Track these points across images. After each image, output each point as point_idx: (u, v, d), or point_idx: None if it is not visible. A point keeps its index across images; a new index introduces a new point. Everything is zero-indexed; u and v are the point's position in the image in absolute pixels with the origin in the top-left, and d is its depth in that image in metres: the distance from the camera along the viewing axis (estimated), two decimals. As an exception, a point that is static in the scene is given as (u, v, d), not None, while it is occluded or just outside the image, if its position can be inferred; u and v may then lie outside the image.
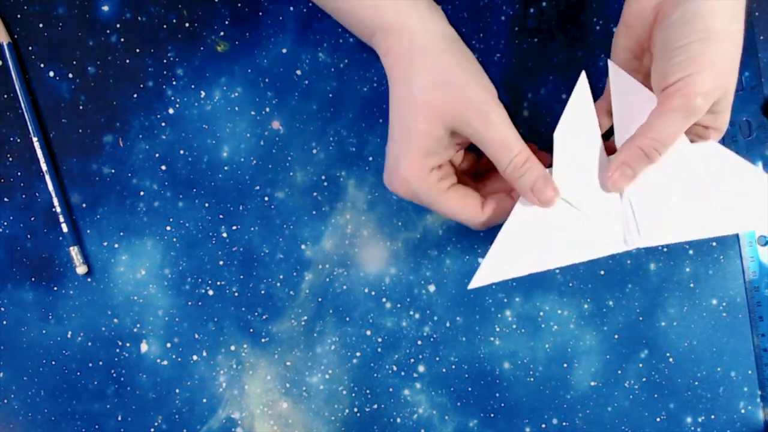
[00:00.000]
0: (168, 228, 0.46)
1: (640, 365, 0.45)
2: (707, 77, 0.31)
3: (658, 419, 0.45)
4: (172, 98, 0.46)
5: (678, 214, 0.34)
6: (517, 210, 0.35)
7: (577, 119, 0.35)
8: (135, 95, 0.46)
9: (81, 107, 0.46)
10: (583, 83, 0.35)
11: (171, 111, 0.46)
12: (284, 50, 0.45)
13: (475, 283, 0.35)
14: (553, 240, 0.35)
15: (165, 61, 0.46)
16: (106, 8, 0.46)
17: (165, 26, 0.46)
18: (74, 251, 0.46)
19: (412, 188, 0.34)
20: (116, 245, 0.46)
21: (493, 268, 0.35)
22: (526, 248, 0.35)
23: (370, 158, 0.45)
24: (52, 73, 0.46)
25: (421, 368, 0.46)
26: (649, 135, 0.32)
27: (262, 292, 0.46)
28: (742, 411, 0.44)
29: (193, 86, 0.46)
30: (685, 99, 0.31)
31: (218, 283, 0.46)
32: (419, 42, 0.33)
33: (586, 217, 0.35)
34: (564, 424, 0.45)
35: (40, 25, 0.46)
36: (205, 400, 0.47)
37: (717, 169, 0.34)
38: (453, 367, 0.46)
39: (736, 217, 0.34)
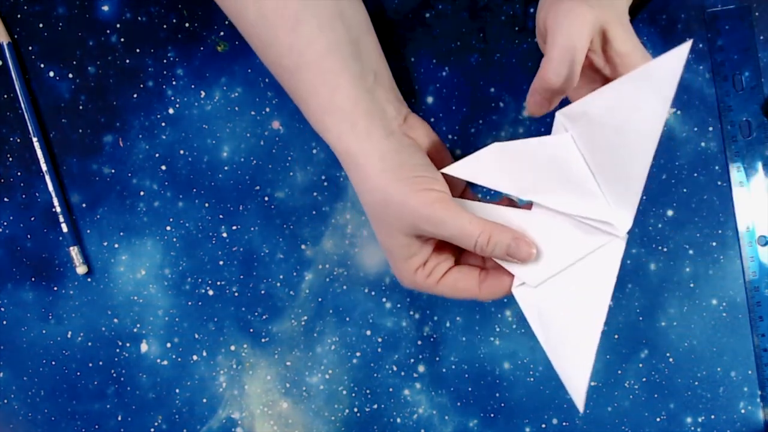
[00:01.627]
0: (168, 228, 0.46)
1: (640, 365, 0.45)
2: (570, 3, 0.31)
3: (658, 419, 0.45)
4: (172, 98, 0.46)
5: (613, 183, 0.32)
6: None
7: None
8: (135, 95, 0.46)
9: (81, 107, 0.46)
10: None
11: (171, 111, 0.46)
12: (284, 50, 0.45)
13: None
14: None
15: (165, 61, 0.46)
16: (106, 8, 0.46)
17: (165, 26, 0.46)
18: (74, 251, 0.46)
19: (407, 285, 0.36)
20: (116, 245, 0.46)
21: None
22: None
23: (370, 158, 0.45)
24: (52, 73, 0.46)
25: (421, 368, 0.46)
26: (546, 59, 0.32)
27: (262, 292, 0.46)
28: (742, 411, 0.44)
29: (193, 86, 0.46)
30: (558, 15, 0.31)
31: (218, 283, 0.46)
32: (359, 167, 0.34)
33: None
34: (564, 424, 0.45)
35: (40, 25, 0.46)
36: (205, 400, 0.47)
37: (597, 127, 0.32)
38: (453, 367, 0.46)
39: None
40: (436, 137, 0.38)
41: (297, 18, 0.34)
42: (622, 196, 0.32)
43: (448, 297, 0.36)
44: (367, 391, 0.46)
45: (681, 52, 0.29)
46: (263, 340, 0.46)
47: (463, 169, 0.35)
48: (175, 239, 0.46)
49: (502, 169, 0.34)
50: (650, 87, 0.30)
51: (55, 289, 0.47)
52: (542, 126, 0.44)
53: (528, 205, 0.35)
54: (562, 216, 0.34)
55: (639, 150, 0.31)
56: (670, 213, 0.44)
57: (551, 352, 0.34)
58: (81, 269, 0.46)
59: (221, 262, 0.46)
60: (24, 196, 0.46)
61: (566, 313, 0.34)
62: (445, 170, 0.35)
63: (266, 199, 0.46)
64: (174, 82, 0.46)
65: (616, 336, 0.45)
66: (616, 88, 0.31)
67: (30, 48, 0.46)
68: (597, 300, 0.33)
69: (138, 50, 0.46)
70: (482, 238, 0.33)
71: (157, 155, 0.46)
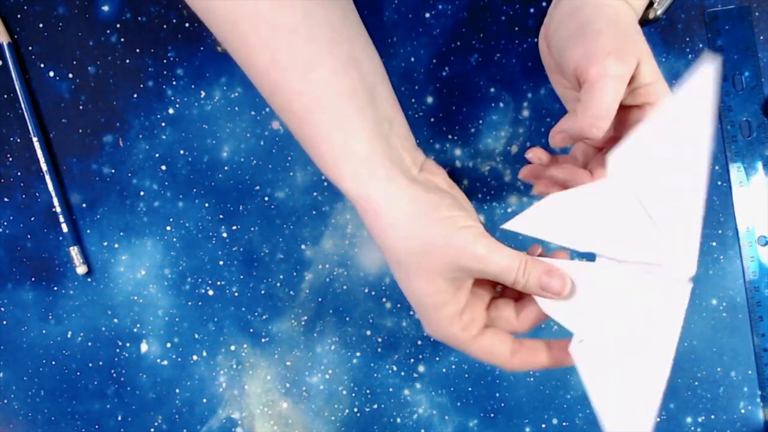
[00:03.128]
0: (168, 228, 0.46)
1: (640, 365, 0.45)
2: (602, 43, 0.31)
3: (658, 419, 0.45)
4: (172, 98, 0.46)
5: (669, 225, 0.32)
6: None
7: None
8: (135, 95, 0.46)
9: (81, 107, 0.46)
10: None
11: (171, 111, 0.46)
12: (284, 50, 0.45)
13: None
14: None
15: (165, 61, 0.46)
16: (106, 8, 0.46)
17: (165, 26, 0.46)
18: (74, 251, 0.46)
19: (440, 339, 0.35)
20: (116, 245, 0.46)
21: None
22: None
23: (370, 158, 0.45)
24: (52, 73, 0.46)
25: (421, 368, 0.46)
26: (588, 113, 0.31)
27: (262, 292, 0.46)
28: (742, 411, 0.44)
29: (193, 86, 0.46)
30: (597, 66, 0.30)
31: (218, 283, 0.46)
32: (384, 214, 0.32)
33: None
34: (564, 424, 0.45)
35: (40, 25, 0.46)
36: (205, 400, 0.47)
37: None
38: (453, 367, 0.46)
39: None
40: (451, 180, 0.37)
41: (310, 63, 0.32)
42: (681, 237, 0.31)
43: (480, 359, 0.35)
44: (367, 391, 0.46)
45: (708, 72, 0.29)
46: (263, 340, 0.46)
47: (523, 223, 0.34)
48: (175, 239, 0.46)
49: (561, 221, 0.33)
50: (688, 115, 0.30)
51: (55, 289, 0.47)
52: (542, 126, 0.44)
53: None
54: (623, 266, 0.33)
55: (690, 183, 0.30)
56: (670, 213, 0.44)
57: (604, 408, 0.33)
58: (81, 269, 0.46)
59: (221, 262, 0.46)
60: (24, 196, 0.46)
61: (628, 366, 0.33)
62: (506, 226, 0.34)
63: (266, 199, 0.46)
64: (174, 82, 0.46)
65: (616, 336, 0.45)
66: (656, 123, 0.31)
67: (30, 48, 0.46)
68: (662, 351, 0.32)
69: (138, 50, 0.46)
70: (520, 270, 0.32)
71: (157, 155, 0.46)
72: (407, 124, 0.37)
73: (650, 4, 0.39)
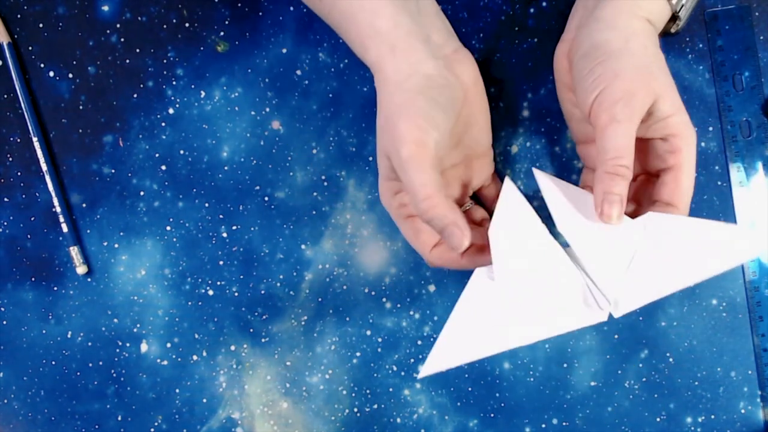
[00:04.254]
0: (168, 228, 0.46)
1: (640, 365, 0.45)
2: (615, 88, 0.33)
3: (658, 419, 0.45)
4: (172, 98, 0.46)
5: (641, 278, 0.34)
6: (465, 299, 0.35)
7: (510, 215, 0.36)
8: (135, 95, 0.46)
9: (81, 107, 0.46)
10: (508, 187, 0.37)
11: (171, 111, 0.46)
12: (284, 50, 0.45)
13: (426, 371, 0.35)
14: (510, 321, 0.35)
15: (165, 61, 0.46)
16: (106, 8, 0.46)
17: (165, 26, 0.46)
18: (74, 251, 0.46)
19: (383, 204, 0.38)
20: (116, 245, 0.46)
21: (444, 354, 0.35)
22: (478, 331, 0.35)
23: (370, 158, 0.45)
24: (52, 73, 0.46)
25: (421, 368, 0.46)
26: (606, 157, 0.33)
27: (262, 292, 0.46)
28: (742, 411, 0.44)
29: (193, 86, 0.46)
30: (606, 113, 0.33)
31: (218, 283, 0.46)
32: (387, 84, 0.35)
33: (543, 297, 0.35)
34: (564, 424, 0.45)
35: (40, 25, 0.46)
36: (205, 400, 0.47)
37: (664, 230, 0.35)
38: (453, 367, 0.46)
39: (697, 266, 0.34)
40: (480, 80, 0.39)
41: None
42: (638, 291, 0.34)
43: (405, 237, 0.38)
44: (367, 391, 0.46)
45: (756, 247, 0.33)
46: (263, 340, 0.46)
47: (547, 180, 0.37)
48: (175, 239, 0.46)
49: (567, 200, 0.36)
50: (725, 251, 0.33)
51: (55, 289, 0.47)
52: (542, 126, 0.44)
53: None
54: (575, 267, 0.36)
55: (678, 277, 0.34)
56: (670, 213, 0.44)
57: (452, 326, 0.36)
58: (81, 269, 0.46)
59: (221, 262, 0.46)
60: (24, 196, 0.46)
61: (490, 324, 0.35)
62: (536, 171, 0.37)
63: (266, 199, 0.46)
64: (174, 82, 0.46)
65: (616, 336, 0.45)
66: (700, 228, 0.34)
67: (30, 48, 0.46)
68: (523, 335, 0.34)
69: (138, 50, 0.46)
70: (425, 204, 0.33)
71: (157, 155, 0.46)
72: (439, 8, 0.39)
73: (673, 18, 0.39)
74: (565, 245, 0.36)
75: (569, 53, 0.38)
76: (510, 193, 0.37)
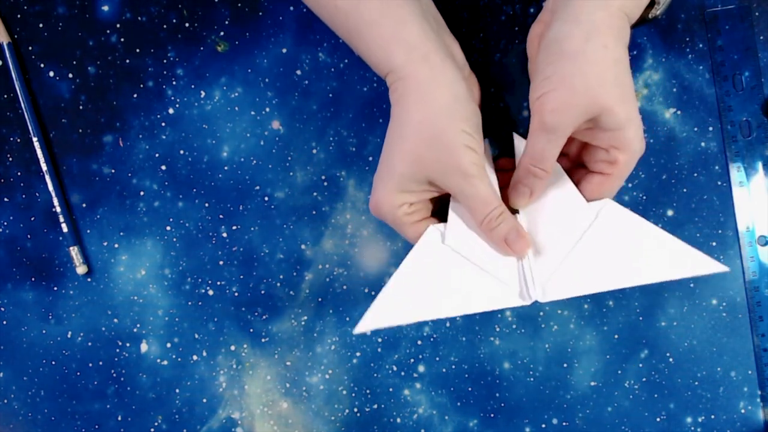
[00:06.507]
0: (168, 228, 0.46)
1: (640, 365, 0.45)
2: (557, 95, 0.32)
3: (658, 419, 0.45)
4: (172, 98, 0.46)
5: (576, 269, 0.35)
6: (412, 257, 0.36)
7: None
8: (135, 95, 0.46)
9: (81, 107, 0.46)
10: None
11: (171, 111, 0.46)
12: (284, 50, 0.45)
13: (360, 328, 0.35)
14: (445, 290, 0.35)
15: (165, 61, 0.46)
16: (106, 8, 0.46)
17: (165, 26, 0.46)
18: (74, 251, 0.46)
19: (381, 213, 0.36)
20: (116, 245, 0.46)
21: (381, 312, 0.35)
22: (416, 296, 0.35)
23: (370, 158, 0.45)
24: (52, 73, 0.46)
25: (421, 368, 0.46)
26: (527, 154, 0.34)
27: (262, 292, 0.46)
28: (742, 411, 0.44)
29: (193, 86, 0.46)
30: (539, 116, 0.33)
31: (218, 283, 0.46)
32: (423, 90, 0.33)
33: (481, 270, 0.35)
34: (564, 424, 0.45)
35: (40, 25, 0.46)
36: (205, 400, 0.47)
37: (615, 226, 0.35)
38: (453, 367, 0.46)
39: (635, 271, 0.34)
40: (480, 102, 0.39)
41: None
42: (570, 282, 0.35)
43: (411, 240, 0.37)
44: (367, 391, 0.46)
45: (715, 267, 0.33)
46: (263, 340, 0.46)
47: (522, 147, 0.37)
48: (175, 239, 0.46)
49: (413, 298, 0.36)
50: (671, 264, 0.34)
51: (55, 289, 0.47)
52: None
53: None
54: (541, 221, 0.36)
55: (615, 277, 0.34)
56: (670, 213, 0.44)
57: (392, 287, 0.36)
58: (81, 269, 0.46)
59: (221, 262, 0.46)
60: (24, 196, 0.46)
61: (427, 291, 0.35)
62: (516, 136, 0.38)
63: (266, 199, 0.46)
64: (174, 82, 0.46)
65: (616, 336, 0.45)
66: (655, 236, 0.34)
67: (30, 48, 0.46)
68: (454, 306, 0.35)
69: (138, 50, 0.46)
70: (496, 212, 0.34)
71: (157, 155, 0.46)
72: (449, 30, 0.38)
73: (651, 4, 0.39)
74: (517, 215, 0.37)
75: (540, 36, 0.37)
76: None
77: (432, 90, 0.33)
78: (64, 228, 0.46)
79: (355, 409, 0.46)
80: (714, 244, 0.44)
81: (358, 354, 0.46)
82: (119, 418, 0.47)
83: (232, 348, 0.47)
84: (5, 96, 0.46)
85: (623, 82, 0.33)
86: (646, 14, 0.40)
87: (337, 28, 0.36)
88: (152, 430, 0.47)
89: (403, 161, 0.34)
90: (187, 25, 0.45)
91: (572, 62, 0.32)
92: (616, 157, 0.34)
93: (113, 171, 0.46)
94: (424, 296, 0.35)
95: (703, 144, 0.44)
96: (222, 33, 0.45)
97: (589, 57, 0.32)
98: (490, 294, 0.35)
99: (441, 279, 0.35)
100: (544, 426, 0.45)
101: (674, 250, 0.34)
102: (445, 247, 0.36)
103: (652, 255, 0.34)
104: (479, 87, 0.40)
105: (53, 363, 0.47)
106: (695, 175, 0.44)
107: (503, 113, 0.45)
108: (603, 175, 0.36)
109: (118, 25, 0.46)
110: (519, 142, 0.39)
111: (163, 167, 0.46)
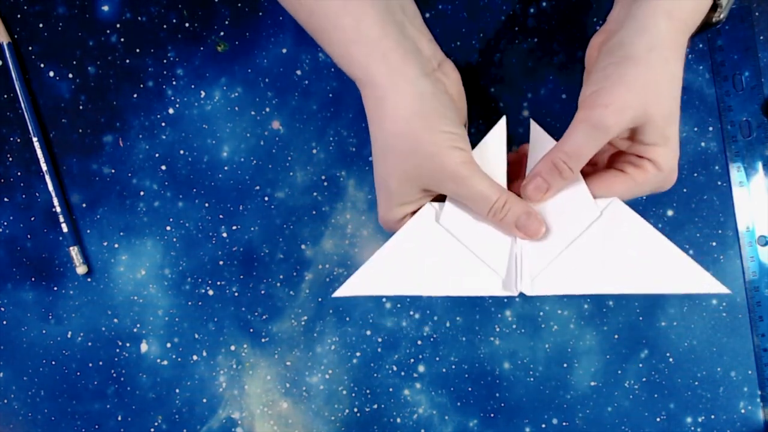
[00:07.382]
0: (168, 228, 0.46)
1: (640, 365, 0.45)
2: (613, 91, 0.31)
3: (658, 419, 0.45)
4: (172, 98, 0.46)
5: (570, 266, 0.34)
6: (404, 231, 0.35)
7: (486, 159, 0.35)
8: (135, 95, 0.46)
9: (81, 107, 0.46)
10: (501, 126, 0.36)
11: (171, 111, 0.46)
12: (284, 50, 0.45)
13: (340, 292, 0.35)
14: (431, 269, 0.35)
15: (165, 61, 0.46)
16: (106, 8, 0.46)
17: (165, 26, 0.46)
18: (74, 251, 0.46)
19: (388, 227, 0.36)
20: (116, 245, 0.46)
21: (363, 281, 0.35)
22: (401, 270, 0.35)
23: (370, 158, 0.45)
24: (52, 73, 0.46)
25: (421, 368, 0.46)
26: (560, 148, 0.33)
27: (262, 292, 0.46)
28: (742, 411, 0.44)
29: (193, 86, 0.46)
30: (589, 110, 0.32)
31: (218, 283, 0.46)
32: (386, 98, 0.32)
33: (471, 254, 0.35)
34: (564, 424, 0.45)
35: (40, 25, 0.46)
36: (205, 400, 0.47)
37: (618, 227, 0.34)
38: (453, 367, 0.46)
39: (631, 278, 0.33)
40: (462, 89, 0.37)
41: None
42: (561, 279, 0.34)
43: None
44: (367, 391, 0.46)
45: (717, 288, 0.32)
46: (263, 340, 0.46)
47: (539, 135, 0.36)
48: (175, 239, 0.46)
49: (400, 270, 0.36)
50: (671, 278, 0.32)
51: (55, 289, 0.47)
52: (542, 126, 0.44)
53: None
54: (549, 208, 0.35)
55: (609, 282, 0.33)
56: (670, 213, 0.44)
57: (380, 257, 0.36)
58: (81, 269, 0.46)
59: (221, 262, 0.46)
60: (24, 196, 0.46)
61: (413, 266, 0.35)
62: (533, 123, 0.36)
63: (266, 199, 0.46)
64: (174, 82, 0.46)
65: (616, 336, 0.45)
66: (660, 245, 0.33)
67: (30, 48, 0.46)
68: (437, 286, 0.35)
69: (138, 50, 0.46)
70: (498, 203, 0.33)
71: (157, 155, 0.46)
72: (422, 18, 0.36)
73: (714, 7, 0.38)
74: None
75: (601, 44, 0.36)
76: (498, 135, 0.36)
77: (394, 95, 0.32)
78: (64, 228, 0.46)
79: (355, 409, 0.46)
80: (714, 244, 0.44)
81: (358, 354, 0.46)
82: (119, 418, 0.47)
83: (232, 348, 0.47)
84: (5, 96, 0.46)
85: (675, 98, 0.32)
86: (709, 18, 0.39)
87: (307, 28, 0.35)
88: (152, 430, 0.47)
89: (392, 178, 0.34)
90: (187, 25, 0.45)
91: (634, 65, 0.31)
92: (648, 169, 0.34)
93: (113, 171, 0.46)
94: (408, 271, 0.35)
95: (703, 144, 0.44)
96: (222, 33, 0.45)
97: (651, 65, 0.32)
98: (475, 279, 0.34)
99: (428, 257, 0.35)
100: (544, 426, 0.45)
101: (677, 264, 0.33)
102: (438, 226, 0.35)
103: (652, 264, 0.33)
104: (457, 72, 0.37)
105: (53, 363, 0.47)
106: (695, 175, 0.44)
107: (503, 113, 0.45)
108: (623, 173, 0.34)
109: (118, 25, 0.46)
110: (537, 134, 0.36)
111: (163, 167, 0.46)
